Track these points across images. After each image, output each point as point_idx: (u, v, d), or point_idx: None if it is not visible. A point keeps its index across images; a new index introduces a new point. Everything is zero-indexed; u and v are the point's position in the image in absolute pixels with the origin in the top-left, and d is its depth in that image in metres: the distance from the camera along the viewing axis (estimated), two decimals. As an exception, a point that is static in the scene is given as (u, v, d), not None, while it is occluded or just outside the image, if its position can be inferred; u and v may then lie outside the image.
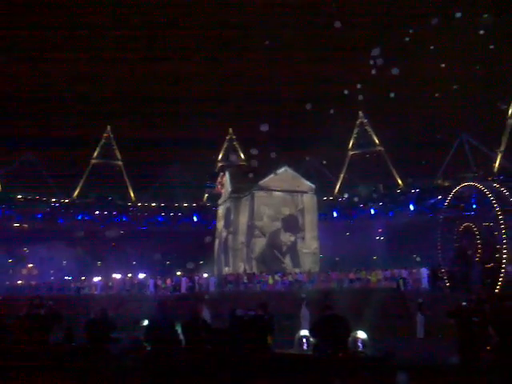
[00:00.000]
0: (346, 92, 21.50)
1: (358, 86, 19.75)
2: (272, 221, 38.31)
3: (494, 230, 21.63)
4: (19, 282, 45.23)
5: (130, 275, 39.63)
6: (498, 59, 48.52)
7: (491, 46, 27.74)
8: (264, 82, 67.87)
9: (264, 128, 19.87)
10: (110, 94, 66.57)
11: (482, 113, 52.59)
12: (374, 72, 17.10)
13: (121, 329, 8.66)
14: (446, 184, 55.30)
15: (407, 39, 21.46)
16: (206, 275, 35.37)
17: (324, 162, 57.07)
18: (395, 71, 17.71)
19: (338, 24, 19.97)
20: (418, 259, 35.61)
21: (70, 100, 65.09)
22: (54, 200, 63.54)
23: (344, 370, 5.75)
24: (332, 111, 25.12)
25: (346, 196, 62.37)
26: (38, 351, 6.96)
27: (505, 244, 20.89)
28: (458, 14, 19.31)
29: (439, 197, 52.31)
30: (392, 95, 23.57)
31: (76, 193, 65.93)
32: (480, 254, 22.37)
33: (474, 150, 59.96)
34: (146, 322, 8.08)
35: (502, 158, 57.55)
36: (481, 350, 8.17)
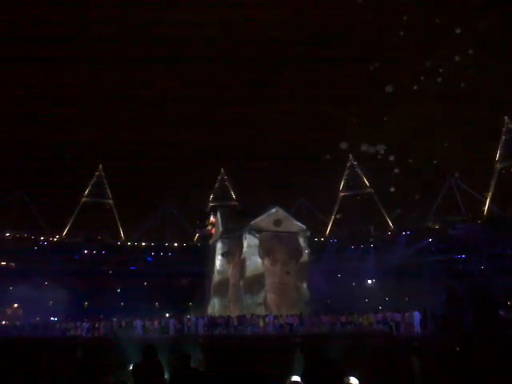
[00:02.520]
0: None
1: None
2: (263, 261, 37.94)
3: (485, 274, 21.68)
4: (3, 322, 43.99)
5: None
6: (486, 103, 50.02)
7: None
8: (256, 124, 69.20)
9: None
10: (103, 134, 67.23)
11: (471, 157, 53.65)
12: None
13: (108, 372, 8.40)
14: (437, 227, 55.70)
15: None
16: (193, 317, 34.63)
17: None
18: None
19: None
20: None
21: (63, 140, 65.34)
22: (42, 238, 62.75)
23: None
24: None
25: (337, 238, 62.57)
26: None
27: (496, 288, 20.88)
28: (458, 30, 19.70)
29: (430, 239, 52.53)
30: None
31: (65, 231, 65.31)
32: (472, 298, 22.33)
33: (463, 194, 60.85)
34: (131, 366, 7.82)
35: (490, 201, 58.29)
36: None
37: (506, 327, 21.31)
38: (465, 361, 8.31)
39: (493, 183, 58.94)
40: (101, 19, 64.76)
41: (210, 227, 49.95)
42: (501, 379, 7.60)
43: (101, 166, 69.71)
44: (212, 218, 48.68)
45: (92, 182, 69.48)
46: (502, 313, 20.90)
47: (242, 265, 38.21)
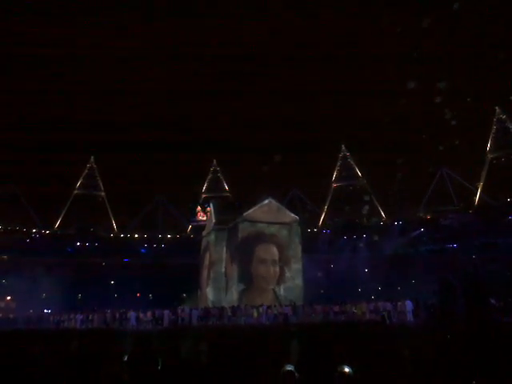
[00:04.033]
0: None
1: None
2: (256, 252, 38.01)
3: (476, 263, 21.86)
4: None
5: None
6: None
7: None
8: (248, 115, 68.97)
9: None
10: (95, 124, 66.74)
11: (462, 147, 53.85)
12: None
13: (103, 364, 8.39)
14: (428, 217, 56.02)
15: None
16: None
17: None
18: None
19: None
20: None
21: (54, 130, 64.69)
22: (34, 231, 62.41)
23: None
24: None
25: (329, 228, 62.86)
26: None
27: (487, 276, 21.08)
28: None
29: (422, 229, 52.87)
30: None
31: (57, 224, 64.96)
32: (463, 287, 22.51)
33: (454, 184, 61.20)
34: (126, 358, 7.81)
35: (481, 191, 58.70)
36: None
37: (497, 315, 21.56)
38: (456, 348, 8.39)
39: (484, 173, 59.35)
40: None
41: (199, 216, 49.93)
42: (491, 367, 7.70)
43: (92, 157, 69.31)
44: (205, 210, 48.72)
45: (84, 173, 69.06)
46: (493, 301, 21.11)
47: (234, 256, 38.30)
